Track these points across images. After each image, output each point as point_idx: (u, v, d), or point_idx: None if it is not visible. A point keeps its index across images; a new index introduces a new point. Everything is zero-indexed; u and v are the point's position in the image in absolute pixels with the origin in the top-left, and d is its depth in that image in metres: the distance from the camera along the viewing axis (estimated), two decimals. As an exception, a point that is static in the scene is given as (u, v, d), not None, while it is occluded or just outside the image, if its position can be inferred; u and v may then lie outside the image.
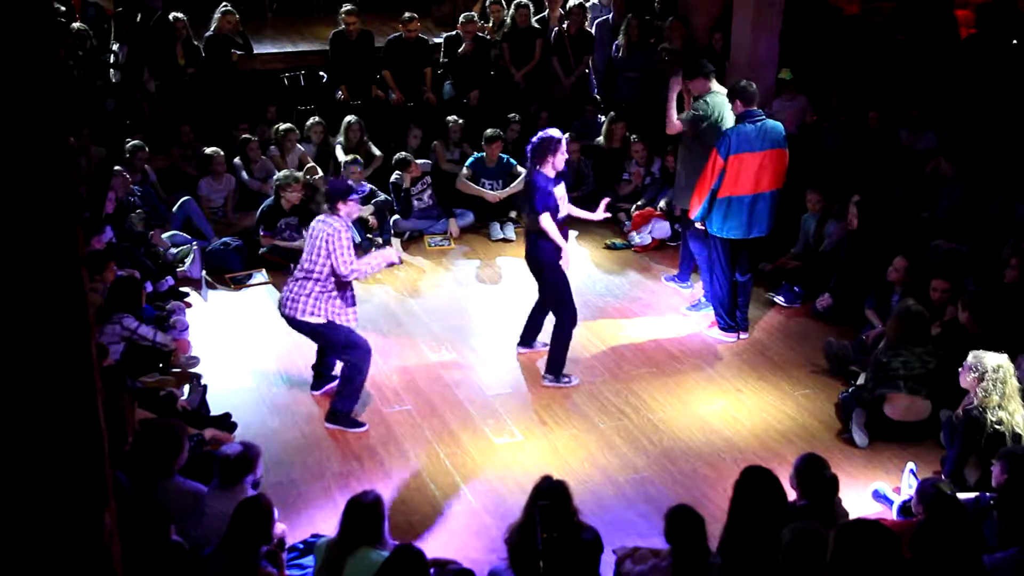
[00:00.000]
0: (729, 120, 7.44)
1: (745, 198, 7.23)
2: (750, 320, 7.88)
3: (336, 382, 6.70)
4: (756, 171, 7.20)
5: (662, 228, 9.45)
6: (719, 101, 7.54)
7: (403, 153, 9.79)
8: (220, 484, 4.89)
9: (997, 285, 6.94)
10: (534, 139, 6.90)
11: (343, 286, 6.34)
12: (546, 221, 6.70)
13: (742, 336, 7.71)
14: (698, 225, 7.51)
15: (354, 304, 6.45)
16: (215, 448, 5.99)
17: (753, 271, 7.80)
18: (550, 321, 7.08)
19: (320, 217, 6.37)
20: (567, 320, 6.94)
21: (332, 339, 6.43)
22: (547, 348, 7.13)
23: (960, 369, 5.72)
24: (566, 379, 7.03)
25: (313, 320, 6.31)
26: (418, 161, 9.91)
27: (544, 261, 6.86)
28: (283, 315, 6.46)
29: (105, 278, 7.07)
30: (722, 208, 7.27)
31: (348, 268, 6.20)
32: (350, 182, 7.35)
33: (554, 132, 6.88)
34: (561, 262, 6.84)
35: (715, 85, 7.67)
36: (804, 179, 8.89)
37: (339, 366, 6.70)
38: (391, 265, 6.87)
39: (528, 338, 7.46)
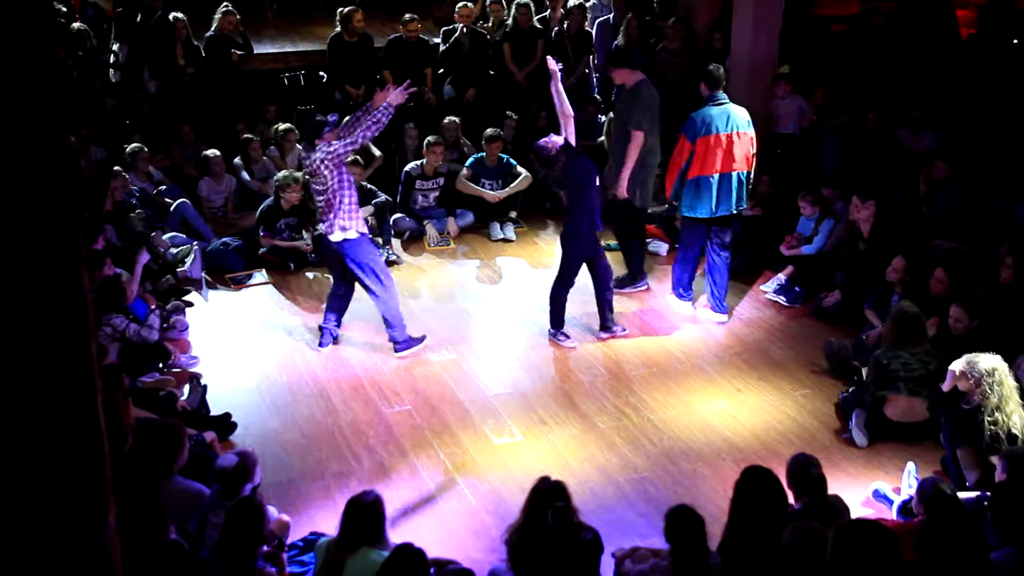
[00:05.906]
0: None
1: (712, 178, 7.50)
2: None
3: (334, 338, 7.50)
4: (723, 152, 7.45)
5: (658, 246, 9.41)
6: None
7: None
8: (221, 496, 4.88)
9: (996, 285, 6.94)
10: None
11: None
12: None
13: (708, 310, 7.91)
14: (677, 206, 7.85)
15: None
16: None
17: (735, 251, 7.95)
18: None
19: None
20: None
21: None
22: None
23: (949, 371, 5.74)
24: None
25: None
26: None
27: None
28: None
29: (104, 274, 7.07)
30: (691, 189, 7.57)
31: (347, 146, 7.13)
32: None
33: None
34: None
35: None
36: (801, 182, 8.88)
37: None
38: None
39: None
